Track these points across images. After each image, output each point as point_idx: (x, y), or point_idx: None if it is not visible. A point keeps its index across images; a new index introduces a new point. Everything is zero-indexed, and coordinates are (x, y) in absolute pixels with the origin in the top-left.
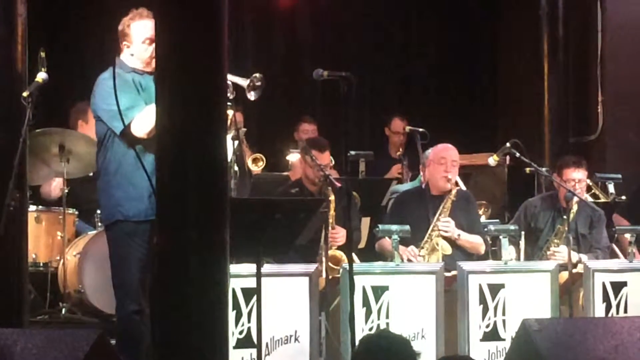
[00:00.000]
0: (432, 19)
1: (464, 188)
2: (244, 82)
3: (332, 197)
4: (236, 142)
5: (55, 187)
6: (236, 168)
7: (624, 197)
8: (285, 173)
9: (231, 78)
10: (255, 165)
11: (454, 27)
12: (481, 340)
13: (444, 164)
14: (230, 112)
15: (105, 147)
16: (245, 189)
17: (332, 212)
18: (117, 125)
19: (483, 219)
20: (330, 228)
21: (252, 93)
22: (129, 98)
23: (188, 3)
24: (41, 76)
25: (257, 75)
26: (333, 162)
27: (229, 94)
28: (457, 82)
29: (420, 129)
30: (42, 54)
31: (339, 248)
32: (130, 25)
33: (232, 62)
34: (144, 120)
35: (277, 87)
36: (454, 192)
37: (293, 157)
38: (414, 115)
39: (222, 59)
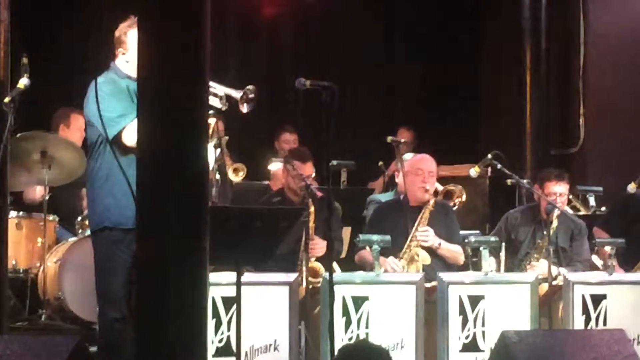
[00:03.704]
0: (415, 30)
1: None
2: (237, 94)
3: (312, 209)
4: (218, 150)
5: (39, 191)
6: (218, 176)
7: (603, 208)
8: (265, 182)
9: (224, 90)
10: (236, 175)
11: (436, 38)
12: (460, 351)
13: (420, 174)
14: (212, 120)
15: (97, 153)
16: (225, 197)
17: (311, 224)
18: (109, 132)
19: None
20: (310, 239)
21: (245, 105)
22: (122, 105)
23: (169, 12)
24: (23, 82)
25: (250, 87)
26: (314, 173)
27: (222, 106)
28: (439, 92)
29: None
30: (25, 60)
31: (319, 259)
32: (127, 32)
33: (213, 70)
34: (134, 130)
35: (259, 96)
36: (432, 202)
37: (274, 166)
38: (395, 125)
39: (203, 67)
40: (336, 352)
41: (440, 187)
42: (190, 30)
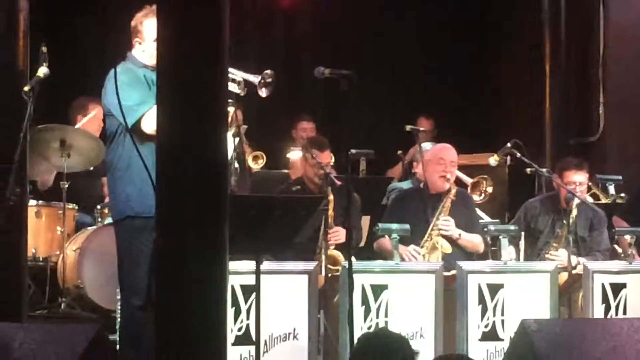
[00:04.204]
0: (435, 20)
1: (469, 181)
2: (255, 78)
3: (331, 197)
4: (237, 139)
5: (51, 177)
6: (236, 165)
7: (623, 195)
8: (285, 171)
9: (242, 75)
10: (255, 163)
11: (456, 28)
12: (480, 340)
13: (442, 164)
14: (231, 109)
15: (116, 143)
16: (245, 186)
17: (330, 212)
18: (128, 120)
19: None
20: (329, 228)
21: (264, 90)
22: (139, 94)
23: (190, 2)
24: (42, 71)
25: (268, 71)
26: (333, 161)
27: (240, 91)
28: (459, 81)
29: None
30: (44, 49)
31: (337, 247)
32: (143, 22)
33: (231, 59)
34: (153, 117)
35: (277, 85)
36: (453, 191)
37: (293, 155)
38: (414, 114)
39: (223, 56)
40: (355, 341)
41: (469, 180)
42: (209, 17)
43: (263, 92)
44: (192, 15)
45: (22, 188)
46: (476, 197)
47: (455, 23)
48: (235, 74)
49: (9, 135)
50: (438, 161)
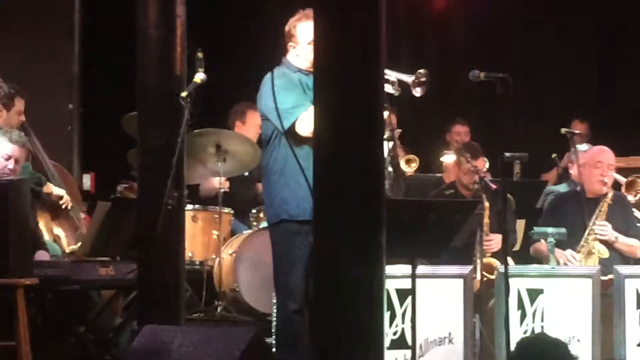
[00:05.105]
0: (588, 21)
1: (623, 180)
2: (408, 78)
3: (486, 204)
4: (390, 143)
5: (215, 183)
6: (390, 169)
7: None
8: (438, 175)
9: (396, 75)
10: (408, 166)
11: (610, 29)
12: (638, 345)
13: (600, 167)
14: (385, 113)
15: (272, 147)
16: (399, 190)
17: (486, 220)
18: (284, 123)
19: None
20: (484, 235)
21: (418, 89)
22: (294, 97)
23: (347, 5)
24: (199, 76)
25: (422, 70)
26: (487, 165)
27: (394, 92)
28: (613, 83)
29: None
30: (200, 55)
31: (493, 255)
32: (297, 26)
33: (386, 62)
34: (308, 120)
35: (431, 88)
36: (610, 195)
37: (447, 158)
38: (568, 117)
39: (380, 60)
40: (512, 346)
41: (622, 179)
42: (366, 19)
43: (417, 92)
44: (349, 18)
45: (179, 192)
46: (631, 198)
47: (610, 25)
48: (390, 74)
49: (166, 141)
50: (595, 164)
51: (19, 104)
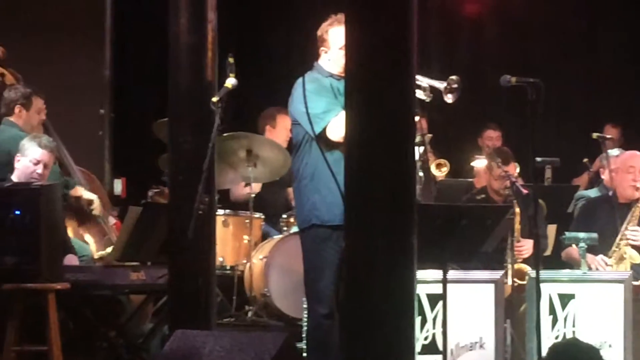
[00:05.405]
0: (620, 25)
1: None
2: (440, 84)
3: (517, 210)
4: (421, 148)
5: (246, 189)
6: (421, 174)
7: None
8: (469, 179)
9: (428, 81)
10: (439, 171)
11: None
12: None
13: (632, 172)
14: (416, 118)
15: (302, 151)
16: (429, 194)
17: (517, 226)
18: (315, 128)
19: None
20: (515, 241)
21: (450, 96)
22: (326, 102)
23: (379, 10)
24: (230, 82)
25: (454, 77)
26: (518, 170)
27: (426, 98)
28: None
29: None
30: (231, 60)
31: (525, 261)
32: (329, 31)
33: (417, 67)
34: (339, 125)
35: (462, 93)
36: None
37: (478, 163)
38: (600, 122)
39: (411, 65)
40: (543, 351)
41: None
42: (397, 24)
43: (449, 98)
44: (380, 23)
45: (210, 197)
46: None
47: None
48: (421, 80)
49: (197, 145)
50: (627, 169)
51: (38, 102)
